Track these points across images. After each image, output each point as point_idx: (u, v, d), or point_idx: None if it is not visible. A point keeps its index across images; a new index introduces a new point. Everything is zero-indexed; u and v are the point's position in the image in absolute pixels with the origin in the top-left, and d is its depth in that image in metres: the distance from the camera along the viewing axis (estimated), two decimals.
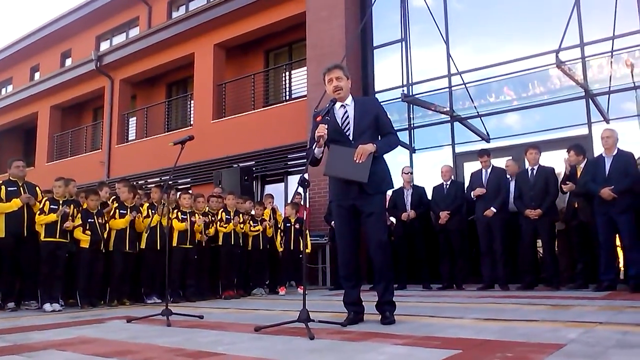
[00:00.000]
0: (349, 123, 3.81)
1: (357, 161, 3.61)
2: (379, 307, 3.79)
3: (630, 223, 5.90)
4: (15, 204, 6.06)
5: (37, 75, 20.00)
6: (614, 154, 6.13)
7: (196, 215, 7.27)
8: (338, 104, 3.86)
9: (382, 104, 4.20)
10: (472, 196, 7.25)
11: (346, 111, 3.85)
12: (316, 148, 3.71)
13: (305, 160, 3.77)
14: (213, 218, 7.53)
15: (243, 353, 2.76)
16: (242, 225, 7.66)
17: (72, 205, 6.31)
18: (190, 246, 7.09)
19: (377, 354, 2.59)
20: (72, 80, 16.64)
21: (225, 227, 7.46)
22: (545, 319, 3.71)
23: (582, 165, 6.58)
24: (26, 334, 3.78)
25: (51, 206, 6.11)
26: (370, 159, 3.65)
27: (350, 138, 3.78)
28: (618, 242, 6.23)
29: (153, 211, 7.04)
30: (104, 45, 17.98)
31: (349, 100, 3.89)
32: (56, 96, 17.51)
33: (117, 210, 6.71)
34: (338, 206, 3.87)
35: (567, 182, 6.68)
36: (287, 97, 12.64)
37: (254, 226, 7.84)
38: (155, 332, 3.79)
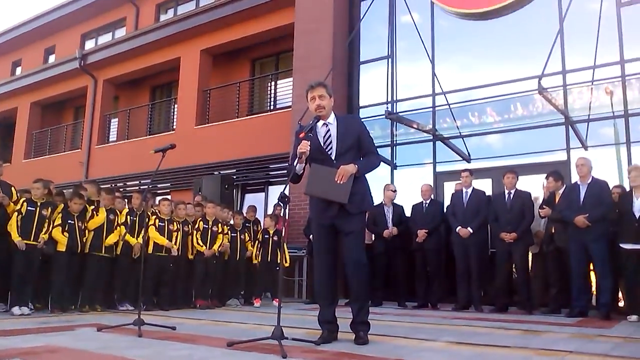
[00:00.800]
0: (331, 142, 3.81)
1: (338, 182, 3.62)
2: (353, 327, 3.80)
3: (603, 251, 5.99)
4: None
5: (18, 70, 19.70)
6: (589, 182, 6.23)
7: (174, 223, 7.20)
8: (320, 122, 3.85)
9: (365, 119, 4.22)
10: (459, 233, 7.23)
11: (329, 130, 3.85)
12: (297, 164, 3.71)
13: (286, 173, 3.78)
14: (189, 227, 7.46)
15: None
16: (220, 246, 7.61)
17: (49, 208, 6.20)
18: (166, 254, 7.00)
19: None
20: (54, 78, 16.42)
21: (201, 246, 7.37)
22: (517, 344, 3.73)
23: (561, 191, 6.67)
24: None
25: (28, 207, 6.01)
26: (351, 180, 3.66)
27: (332, 157, 3.78)
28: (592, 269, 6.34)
29: (132, 217, 6.95)
30: (89, 44, 17.82)
31: (332, 119, 3.89)
32: (37, 92, 17.25)
33: (94, 213, 6.62)
34: (318, 225, 3.87)
35: (544, 207, 6.78)
36: (272, 107, 12.64)
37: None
38: (126, 342, 3.72)
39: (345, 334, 3.83)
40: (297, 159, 3.67)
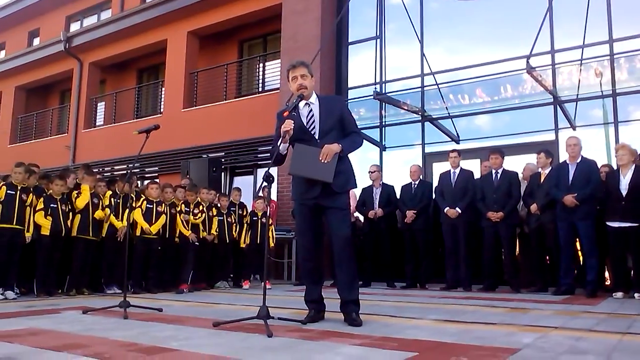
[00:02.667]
0: (314, 122, 3.76)
1: (322, 161, 3.57)
2: (344, 307, 3.72)
3: (590, 230, 6.02)
4: None
5: (2, 54, 19.34)
6: (578, 161, 6.24)
7: (162, 205, 7.14)
8: (302, 103, 3.80)
9: (354, 100, 4.17)
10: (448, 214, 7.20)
11: (311, 110, 3.80)
12: (281, 144, 3.66)
13: (269, 155, 3.73)
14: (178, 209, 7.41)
15: (197, 349, 2.71)
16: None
17: (30, 193, 6.13)
18: (154, 237, 6.96)
19: (333, 355, 2.57)
20: (39, 61, 16.16)
21: (187, 230, 7.33)
22: (502, 321, 3.75)
23: (547, 170, 6.68)
24: None
25: (8, 192, 5.92)
26: (335, 159, 3.61)
27: (316, 137, 3.73)
28: (579, 247, 6.38)
29: (116, 199, 6.89)
30: (74, 27, 17.52)
31: (314, 99, 3.84)
32: (22, 76, 17.00)
33: (78, 194, 6.57)
34: (300, 204, 3.83)
35: (531, 200, 6.74)
36: (260, 89, 12.52)
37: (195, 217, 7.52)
38: (111, 324, 3.70)
39: (333, 313, 3.82)
40: (280, 139, 3.62)
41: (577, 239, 6.25)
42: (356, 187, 4.05)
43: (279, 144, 3.66)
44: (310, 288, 3.86)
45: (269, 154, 10.67)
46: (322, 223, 3.86)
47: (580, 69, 8.04)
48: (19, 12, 18.18)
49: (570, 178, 6.22)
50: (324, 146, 3.60)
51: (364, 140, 4.06)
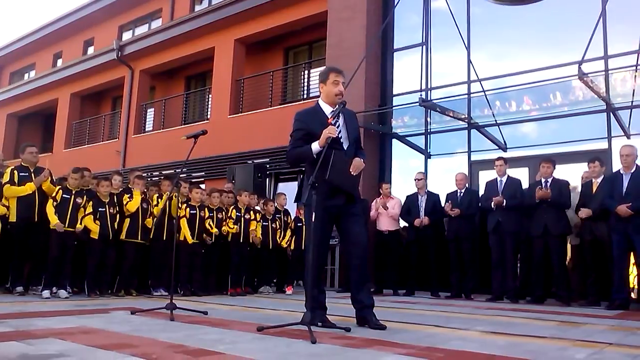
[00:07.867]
0: (340, 132, 3.83)
1: (353, 173, 3.73)
2: (366, 311, 3.78)
3: None
4: (30, 187, 6.11)
5: (59, 62, 20.19)
6: (632, 171, 6.01)
7: (206, 210, 7.26)
8: (329, 112, 3.86)
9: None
10: (492, 206, 7.07)
11: (337, 120, 3.85)
12: (314, 146, 3.71)
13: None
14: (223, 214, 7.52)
15: (243, 354, 2.72)
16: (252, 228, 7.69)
17: (84, 196, 6.34)
18: (197, 241, 7.09)
19: None
20: (93, 69, 16.78)
21: (233, 228, 7.45)
22: (554, 335, 3.62)
23: (599, 180, 6.45)
24: (29, 320, 3.79)
25: (64, 195, 6.16)
26: (361, 173, 3.82)
27: (344, 147, 3.83)
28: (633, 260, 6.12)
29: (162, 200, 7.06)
30: (126, 36, 18.10)
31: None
32: (77, 83, 17.68)
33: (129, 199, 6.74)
34: (324, 211, 3.75)
35: (581, 209, 6.52)
36: (305, 96, 12.60)
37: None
38: (158, 326, 3.77)
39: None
40: (319, 142, 3.67)
41: (633, 252, 5.99)
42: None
43: (320, 146, 3.66)
44: (317, 295, 3.82)
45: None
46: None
47: (635, 75, 7.73)
48: (75, 23, 18.96)
49: (624, 188, 6.00)
50: (355, 159, 3.76)
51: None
